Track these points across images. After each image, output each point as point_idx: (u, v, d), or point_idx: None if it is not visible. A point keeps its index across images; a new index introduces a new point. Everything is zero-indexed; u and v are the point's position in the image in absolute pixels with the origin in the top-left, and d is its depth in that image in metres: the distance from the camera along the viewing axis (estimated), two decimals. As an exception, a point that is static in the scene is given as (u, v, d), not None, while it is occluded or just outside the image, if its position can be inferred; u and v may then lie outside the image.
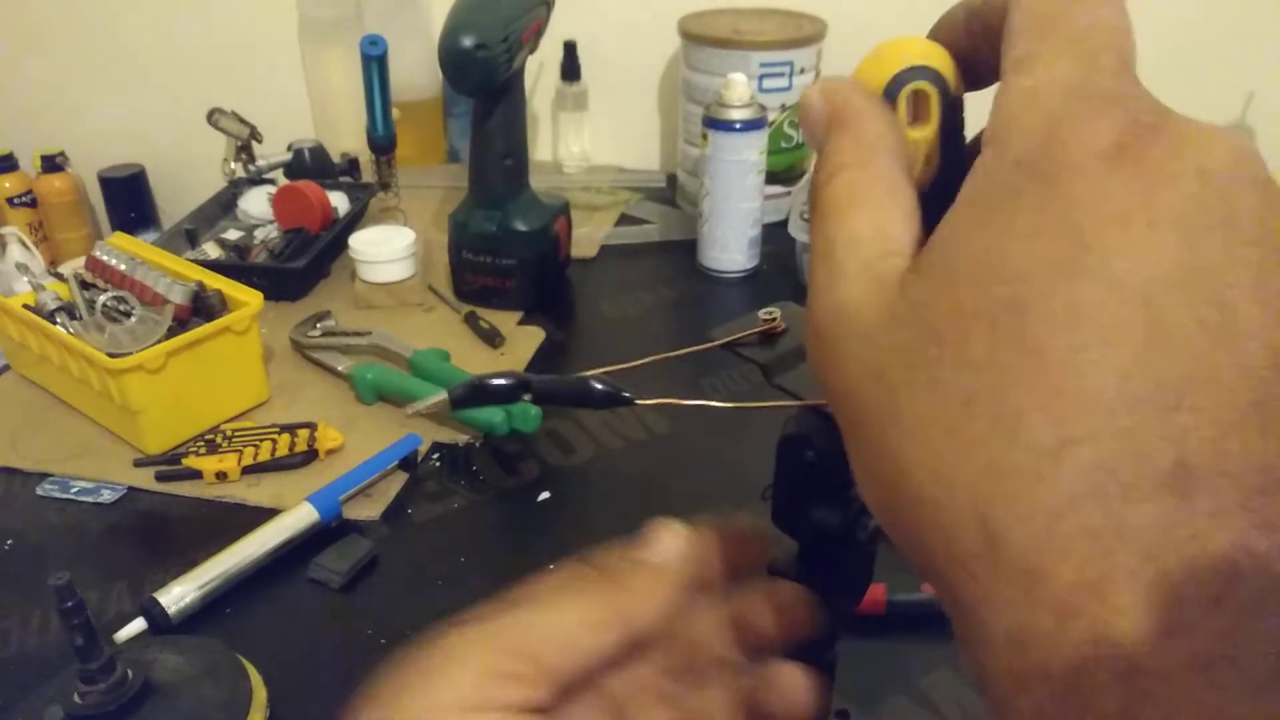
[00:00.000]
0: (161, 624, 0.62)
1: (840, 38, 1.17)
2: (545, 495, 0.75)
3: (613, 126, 1.35)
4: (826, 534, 0.41)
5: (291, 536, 0.68)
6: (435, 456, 0.79)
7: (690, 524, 0.32)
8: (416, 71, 1.28)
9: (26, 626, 0.63)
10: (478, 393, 0.32)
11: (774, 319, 0.42)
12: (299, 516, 0.69)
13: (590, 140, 1.33)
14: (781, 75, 1.10)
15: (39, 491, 0.75)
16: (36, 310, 0.82)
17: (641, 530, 0.30)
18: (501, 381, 0.33)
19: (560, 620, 0.27)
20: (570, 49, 1.27)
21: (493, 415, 0.77)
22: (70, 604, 0.52)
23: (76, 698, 0.53)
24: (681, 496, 0.75)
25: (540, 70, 1.34)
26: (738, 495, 0.73)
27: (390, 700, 0.25)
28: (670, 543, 0.30)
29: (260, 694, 0.57)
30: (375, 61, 0.97)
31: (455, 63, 0.84)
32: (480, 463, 0.78)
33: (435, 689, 0.25)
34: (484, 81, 0.86)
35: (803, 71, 1.12)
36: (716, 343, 0.42)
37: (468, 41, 0.82)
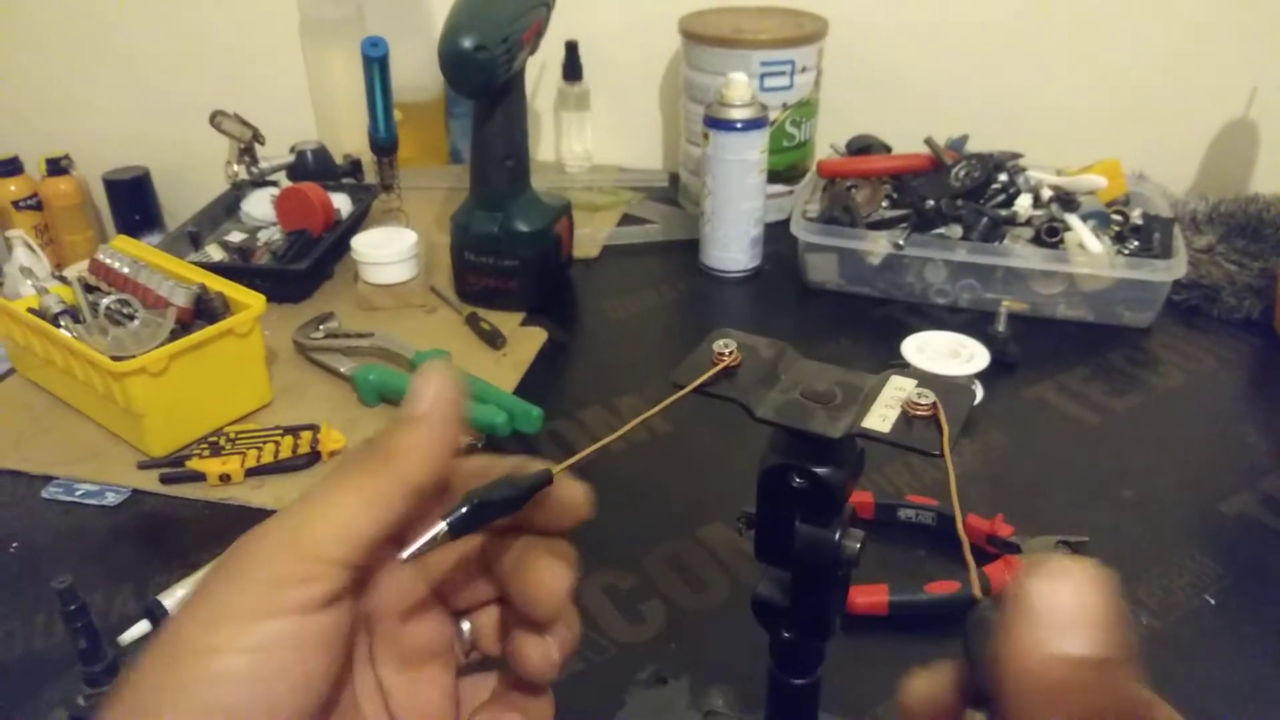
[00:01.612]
0: (165, 626, 0.62)
1: (841, 35, 1.17)
2: (547, 496, 0.74)
3: (615, 126, 1.35)
4: (820, 556, 0.41)
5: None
6: (438, 458, 0.79)
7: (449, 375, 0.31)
8: (418, 72, 1.28)
9: (31, 629, 0.63)
10: (477, 514, 0.30)
11: (729, 352, 0.42)
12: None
13: (592, 140, 1.33)
14: (783, 74, 1.10)
15: (44, 494, 0.75)
16: (41, 314, 0.82)
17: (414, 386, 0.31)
18: (508, 493, 0.31)
19: (338, 510, 0.27)
20: (572, 49, 1.27)
21: (494, 416, 0.77)
22: (73, 607, 0.53)
23: (80, 700, 0.54)
24: (684, 497, 0.75)
25: (542, 70, 1.34)
26: (740, 495, 0.73)
27: (188, 610, 0.26)
28: (433, 387, 0.30)
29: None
30: (376, 63, 0.97)
31: (455, 64, 0.84)
32: (482, 464, 0.78)
33: (223, 599, 0.26)
34: (484, 83, 0.86)
35: (804, 70, 1.12)
36: (686, 389, 0.42)
37: (467, 43, 0.82)
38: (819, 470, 0.39)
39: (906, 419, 0.38)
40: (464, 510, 0.29)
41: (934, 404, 0.38)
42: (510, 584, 0.31)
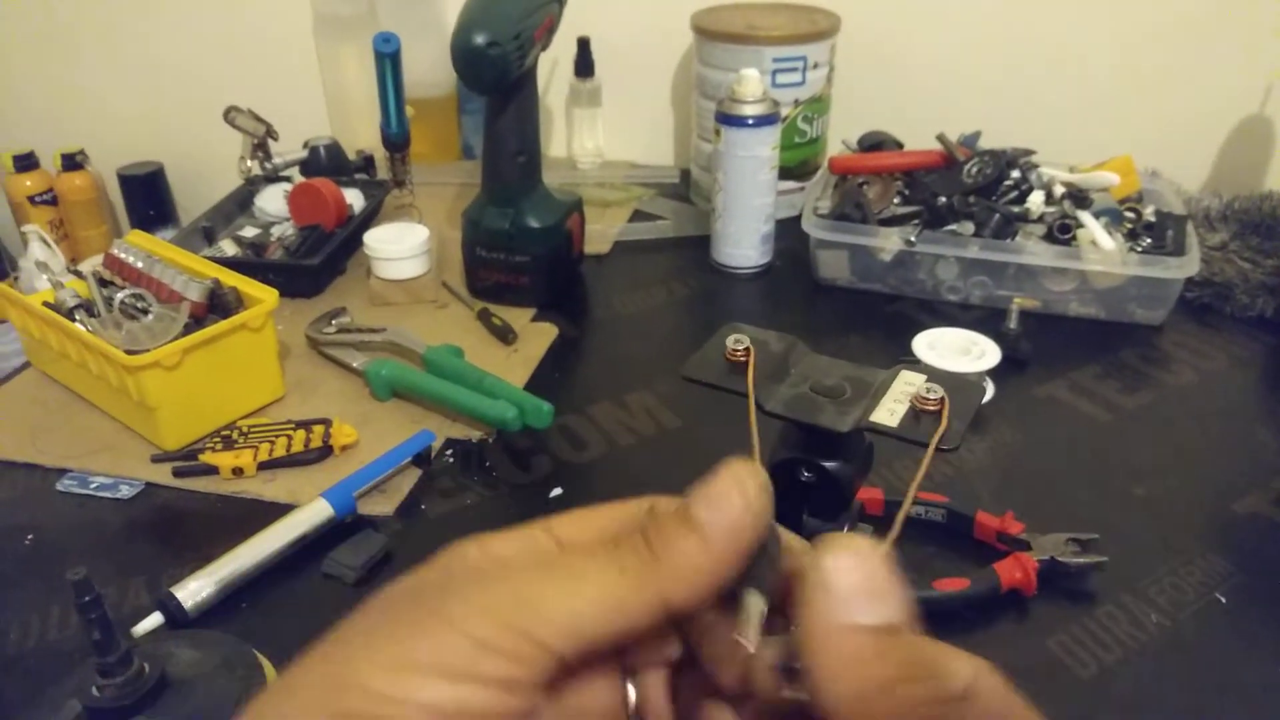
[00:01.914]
0: (178, 618, 0.63)
1: (854, 32, 1.17)
2: (558, 491, 0.75)
3: (626, 122, 1.35)
4: None
5: (306, 532, 0.69)
6: (449, 453, 0.79)
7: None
8: (430, 69, 1.28)
9: (46, 620, 0.64)
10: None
11: (742, 347, 0.42)
12: (314, 512, 0.69)
13: (604, 136, 1.33)
14: (795, 70, 1.10)
15: (58, 487, 0.76)
16: (56, 308, 0.83)
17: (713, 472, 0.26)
18: None
19: (578, 600, 0.24)
20: (584, 45, 1.27)
21: (505, 412, 0.77)
22: (88, 598, 0.53)
23: (94, 691, 0.54)
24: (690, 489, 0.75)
25: (554, 67, 1.34)
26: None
27: (365, 636, 0.23)
28: (740, 501, 0.25)
29: (275, 688, 0.57)
30: (388, 59, 0.98)
31: (467, 61, 0.84)
32: (493, 459, 0.78)
33: (416, 645, 0.23)
34: (496, 79, 0.86)
35: (816, 66, 1.12)
36: (749, 395, 0.41)
37: (480, 39, 0.82)
38: (827, 464, 0.40)
39: (915, 414, 0.38)
40: (772, 576, 0.26)
41: (942, 399, 0.38)
42: (702, 644, 0.27)
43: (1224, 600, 0.64)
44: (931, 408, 0.39)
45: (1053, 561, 0.64)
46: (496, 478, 0.76)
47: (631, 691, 0.29)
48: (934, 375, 0.39)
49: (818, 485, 0.40)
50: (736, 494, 0.25)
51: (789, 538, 0.27)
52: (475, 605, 0.23)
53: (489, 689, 0.23)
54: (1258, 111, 1.15)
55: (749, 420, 0.38)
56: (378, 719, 0.22)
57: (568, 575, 0.24)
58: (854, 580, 0.23)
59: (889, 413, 0.39)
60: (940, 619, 0.62)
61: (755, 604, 0.25)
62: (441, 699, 0.22)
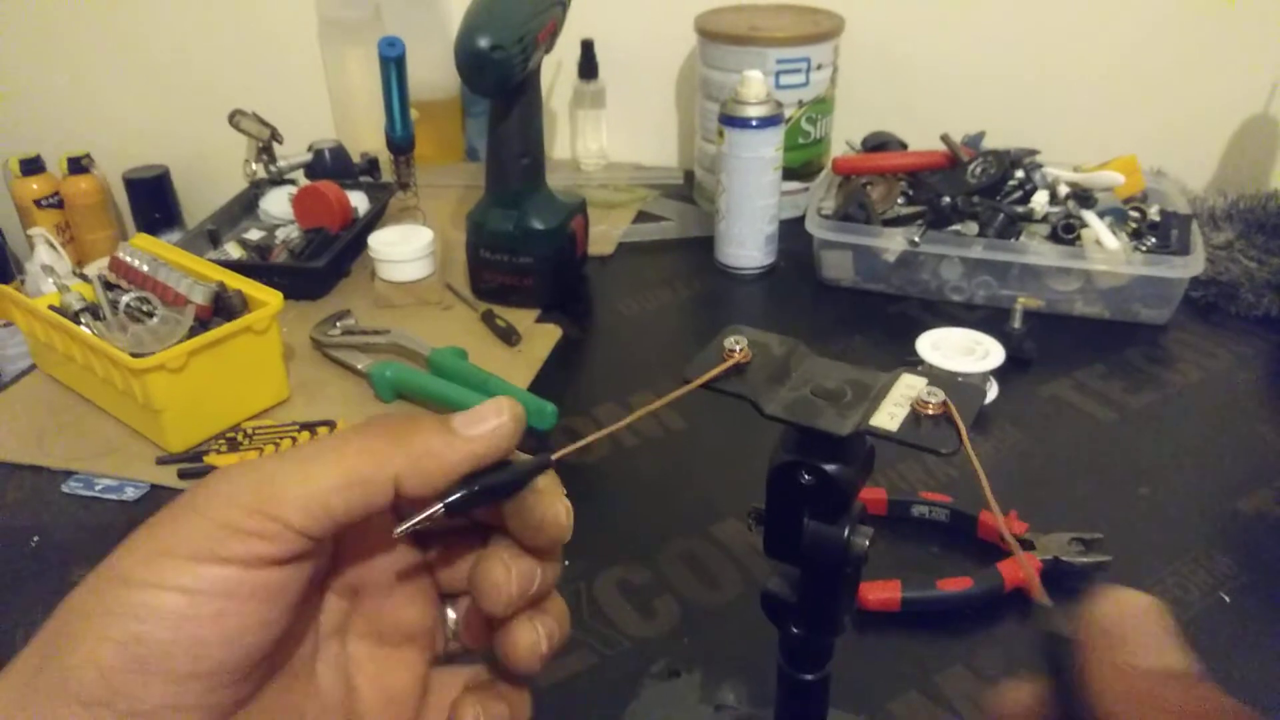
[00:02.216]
0: (183, 619, 0.63)
1: (857, 32, 1.17)
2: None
3: (630, 124, 1.35)
4: (826, 554, 0.41)
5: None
6: (453, 454, 0.79)
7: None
8: (435, 71, 1.29)
9: (52, 621, 0.64)
10: (475, 498, 0.30)
11: (740, 349, 0.42)
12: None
13: (608, 138, 1.33)
14: (799, 71, 1.10)
15: (64, 489, 0.76)
16: (62, 311, 0.83)
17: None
18: (509, 478, 0.31)
19: (314, 479, 0.26)
20: (588, 47, 1.27)
21: (509, 413, 0.77)
22: (93, 599, 0.53)
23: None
24: (697, 493, 0.75)
25: (558, 69, 1.34)
26: (753, 492, 0.73)
27: (131, 541, 0.26)
28: (492, 424, 0.29)
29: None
30: (393, 63, 0.98)
31: (471, 64, 0.84)
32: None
33: (168, 536, 0.25)
34: (500, 82, 0.86)
35: (819, 67, 1.12)
36: (692, 384, 0.42)
37: (483, 43, 0.83)
38: (828, 467, 0.40)
39: (916, 417, 0.38)
40: (462, 493, 0.29)
41: (944, 402, 0.38)
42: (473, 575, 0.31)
43: (1229, 600, 0.64)
44: (933, 412, 0.38)
45: (1057, 561, 0.64)
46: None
47: (451, 614, 0.32)
48: (934, 378, 0.39)
49: (819, 488, 0.40)
50: (493, 415, 0.29)
51: (548, 481, 0.31)
52: (220, 494, 0.26)
53: (237, 567, 0.25)
54: (1263, 110, 1.14)
55: (678, 393, 0.39)
56: (139, 605, 0.24)
57: (309, 458, 0.27)
58: (1134, 626, 0.24)
59: (889, 416, 0.39)
60: (944, 619, 0.62)
61: (430, 508, 0.28)
62: (193, 580, 0.25)
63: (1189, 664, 0.23)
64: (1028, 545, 0.66)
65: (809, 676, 0.46)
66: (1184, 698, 0.23)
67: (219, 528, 0.25)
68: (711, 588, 0.66)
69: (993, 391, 0.84)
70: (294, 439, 0.78)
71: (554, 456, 0.33)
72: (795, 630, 0.44)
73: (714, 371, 0.41)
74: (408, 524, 0.28)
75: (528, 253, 0.96)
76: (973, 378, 0.81)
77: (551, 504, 0.31)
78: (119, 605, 0.25)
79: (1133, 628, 0.24)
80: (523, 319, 0.97)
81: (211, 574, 0.25)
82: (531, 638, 0.31)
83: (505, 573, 0.30)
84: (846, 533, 0.41)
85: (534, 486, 0.31)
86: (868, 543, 0.41)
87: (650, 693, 0.58)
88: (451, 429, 0.29)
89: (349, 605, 0.31)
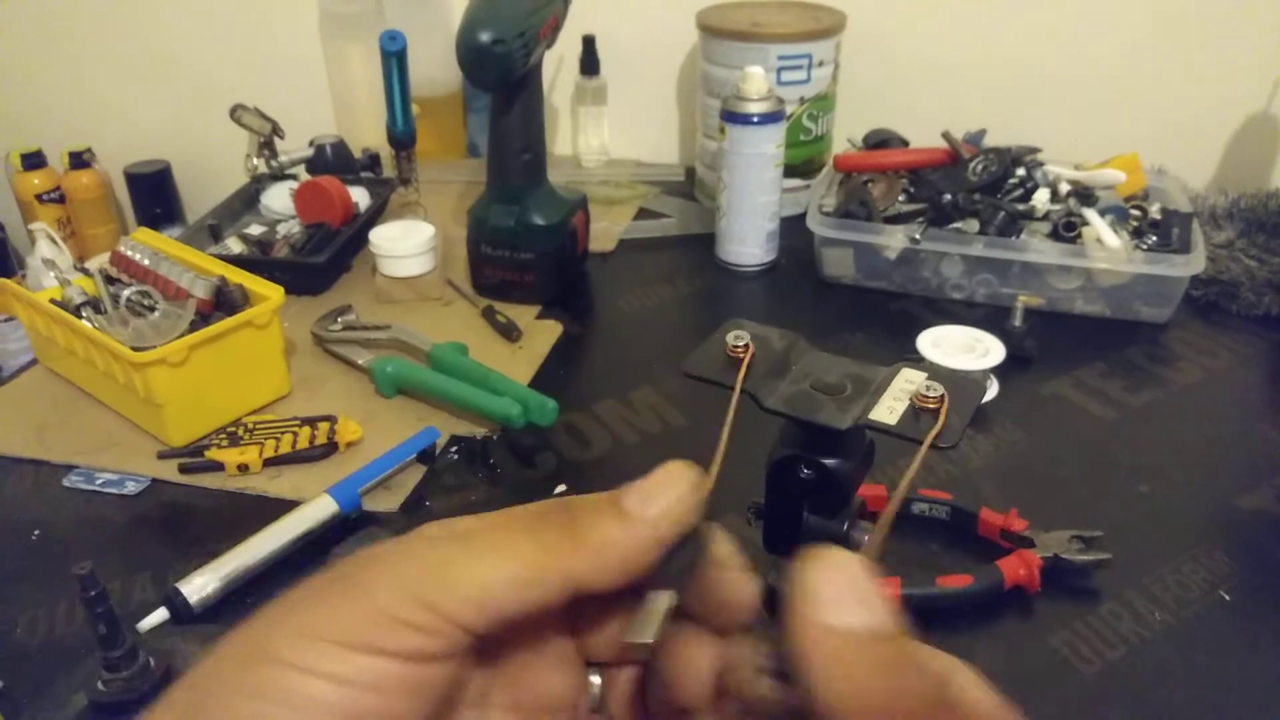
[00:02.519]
0: (184, 614, 0.63)
1: (859, 29, 1.17)
2: (562, 488, 0.75)
3: (632, 120, 1.35)
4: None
5: (312, 528, 0.69)
6: (453, 449, 0.79)
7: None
8: (436, 67, 1.29)
9: (53, 616, 0.64)
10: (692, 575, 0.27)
11: (742, 344, 0.42)
12: (319, 508, 0.70)
13: (609, 134, 1.33)
14: (800, 68, 1.10)
15: (65, 483, 0.76)
16: (63, 305, 0.83)
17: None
18: None
19: (488, 571, 0.24)
20: (589, 43, 1.27)
21: (510, 408, 0.78)
22: (93, 593, 0.53)
23: (100, 685, 0.54)
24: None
25: (559, 65, 1.34)
26: (754, 488, 0.74)
27: (279, 612, 0.24)
28: (670, 497, 0.26)
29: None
30: (394, 57, 0.98)
31: (472, 58, 0.84)
32: (498, 456, 0.78)
33: (322, 616, 0.23)
34: (501, 77, 0.86)
35: (821, 64, 1.11)
36: (735, 389, 0.42)
37: (485, 37, 0.83)
38: (827, 462, 0.40)
39: (915, 411, 0.38)
40: (686, 572, 0.26)
41: (942, 396, 0.38)
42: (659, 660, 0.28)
43: (1228, 598, 0.64)
44: (931, 405, 0.39)
45: (1057, 559, 0.64)
46: (501, 474, 0.77)
47: (596, 682, 0.29)
48: (935, 373, 0.39)
49: (818, 482, 0.40)
50: (668, 488, 0.26)
51: (724, 548, 0.27)
52: (386, 578, 0.24)
53: (395, 661, 0.23)
54: (1264, 109, 1.14)
55: (729, 416, 0.38)
56: (286, 689, 0.22)
57: (481, 547, 0.25)
58: (836, 586, 0.23)
59: (888, 410, 0.39)
60: (944, 616, 0.62)
61: (659, 601, 0.25)
62: (347, 670, 0.22)
63: (891, 622, 0.23)
64: (1028, 543, 0.66)
65: None
66: (881, 655, 0.22)
67: (381, 616, 0.23)
68: (711, 584, 0.66)
69: (993, 389, 0.84)
70: (294, 434, 0.78)
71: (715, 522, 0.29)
72: None
73: (740, 376, 0.41)
74: (649, 628, 0.25)
75: (529, 248, 0.96)
76: (973, 374, 0.81)
77: (734, 579, 0.27)
78: (262, 686, 0.22)
79: (835, 587, 0.23)
80: (523, 315, 0.97)
81: (367, 665, 0.23)
82: None
83: (700, 655, 0.27)
84: (846, 528, 0.41)
85: (711, 559, 0.27)
86: (868, 538, 0.41)
87: None
88: (627, 512, 0.26)
89: (490, 674, 0.28)
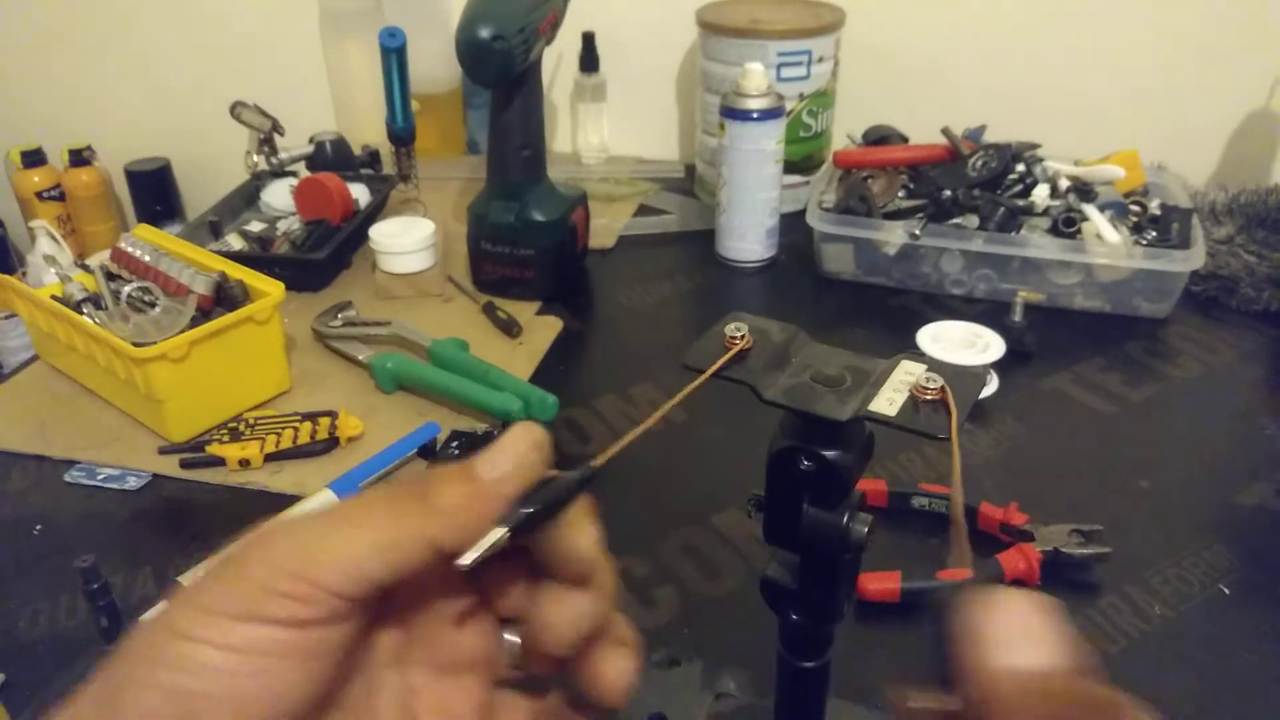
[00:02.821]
0: (185, 607, 0.63)
1: (858, 25, 1.17)
2: (562, 483, 0.75)
3: (631, 117, 1.35)
4: (826, 540, 0.41)
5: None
6: (454, 445, 0.79)
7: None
8: (436, 64, 1.29)
9: (55, 609, 0.64)
10: (536, 517, 0.29)
11: (741, 335, 0.42)
12: (320, 503, 0.70)
13: (609, 131, 1.33)
14: (800, 64, 1.10)
15: (67, 478, 0.77)
16: (64, 301, 0.83)
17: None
18: (557, 493, 0.31)
19: (350, 544, 0.27)
20: (589, 40, 1.27)
21: (510, 404, 0.78)
22: (95, 586, 0.54)
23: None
24: (698, 484, 0.75)
25: (559, 62, 1.34)
26: (754, 481, 0.74)
27: (182, 597, 0.27)
28: (514, 455, 0.29)
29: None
30: (394, 54, 0.98)
31: (472, 54, 0.84)
32: (498, 451, 0.78)
33: (215, 593, 0.26)
34: (501, 73, 0.86)
35: (821, 60, 1.12)
36: (706, 373, 0.42)
37: (484, 33, 0.83)
38: (827, 453, 0.40)
39: (914, 403, 0.38)
40: (524, 513, 0.28)
41: (942, 388, 0.38)
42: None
43: (1228, 592, 0.64)
44: (931, 397, 0.39)
45: (1056, 553, 0.64)
46: (501, 469, 0.77)
47: (514, 640, 0.31)
48: (934, 365, 0.39)
49: (818, 473, 0.40)
50: (512, 449, 0.29)
51: (579, 506, 0.30)
52: (264, 555, 0.26)
53: (278, 628, 0.26)
54: (1265, 106, 1.14)
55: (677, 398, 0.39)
56: (188, 659, 0.25)
57: (344, 523, 0.27)
58: (1008, 627, 0.25)
59: (888, 402, 0.39)
60: (943, 610, 0.62)
61: (491, 534, 0.28)
62: (236, 639, 0.25)
63: (1070, 659, 0.24)
64: (1028, 537, 0.66)
65: (809, 664, 0.46)
66: (1055, 693, 0.24)
67: (260, 590, 0.26)
68: (711, 578, 0.66)
69: (993, 384, 0.84)
70: (295, 429, 0.78)
71: (595, 464, 0.32)
72: (795, 617, 0.44)
73: (720, 361, 0.42)
74: (471, 555, 0.28)
75: (529, 245, 0.96)
76: (973, 368, 0.81)
77: (576, 535, 0.30)
78: (168, 656, 0.25)
79: (1007, 628, 0.25)
80: (524, 311, 0.97)
81: (253, 633, 0.26)
82: (613, 671, 0.30)
83: (556, 612, 0.30)
84: (845, 519, 0.41)
85: (562, 520, 0.30)
86: (867, 530, 0.41)
87: (651, 681, 0.59)
88: (475, 476, 0.28)
89: (405, 636, 0.31)
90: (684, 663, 0.59)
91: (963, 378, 0.39)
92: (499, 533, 0.28)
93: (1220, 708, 0.57)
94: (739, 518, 0.71)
